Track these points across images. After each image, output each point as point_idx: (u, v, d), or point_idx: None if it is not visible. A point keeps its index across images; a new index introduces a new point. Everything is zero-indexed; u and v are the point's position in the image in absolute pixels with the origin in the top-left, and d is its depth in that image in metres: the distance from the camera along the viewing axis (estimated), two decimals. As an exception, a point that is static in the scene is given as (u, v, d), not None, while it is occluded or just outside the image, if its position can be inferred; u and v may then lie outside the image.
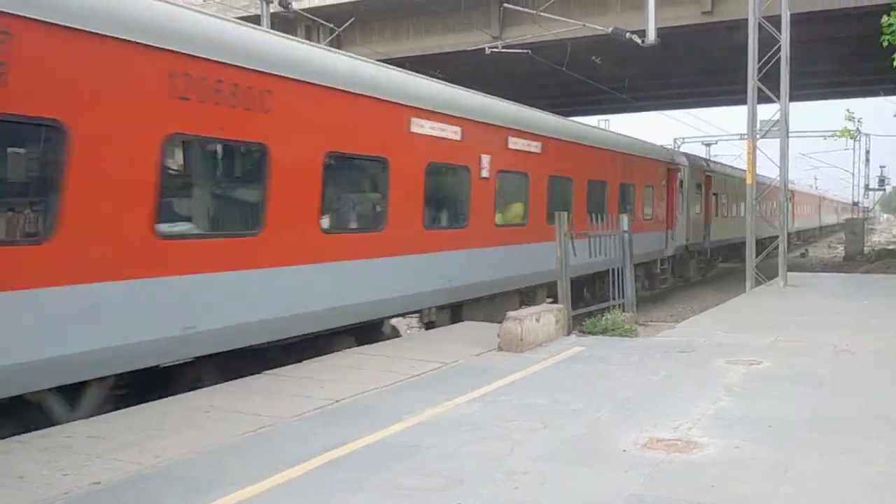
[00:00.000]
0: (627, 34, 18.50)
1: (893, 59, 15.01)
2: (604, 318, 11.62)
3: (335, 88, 9.48)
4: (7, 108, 6.01)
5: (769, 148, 19.77)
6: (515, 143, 13.96)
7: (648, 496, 4.86)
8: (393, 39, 24.65)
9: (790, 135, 19.25)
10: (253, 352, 8.48)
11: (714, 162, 34.76)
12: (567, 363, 9.14)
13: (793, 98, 19.16)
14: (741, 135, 44.26)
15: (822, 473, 5.28)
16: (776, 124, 18.91)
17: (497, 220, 13.60)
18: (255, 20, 18.04)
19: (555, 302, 11.80)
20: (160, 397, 7.31)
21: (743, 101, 18.65)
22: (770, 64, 17.95)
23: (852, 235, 37.93)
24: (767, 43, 17.94)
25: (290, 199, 8.80)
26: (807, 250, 45.93)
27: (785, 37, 17.95)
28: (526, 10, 20.71)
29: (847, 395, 7.57)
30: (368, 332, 10.41)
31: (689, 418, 6.61)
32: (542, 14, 19.98)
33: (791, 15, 17.99)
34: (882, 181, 64.79)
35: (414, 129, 11.07)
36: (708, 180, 28.51)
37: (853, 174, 61.25)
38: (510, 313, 10.11)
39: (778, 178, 19.23)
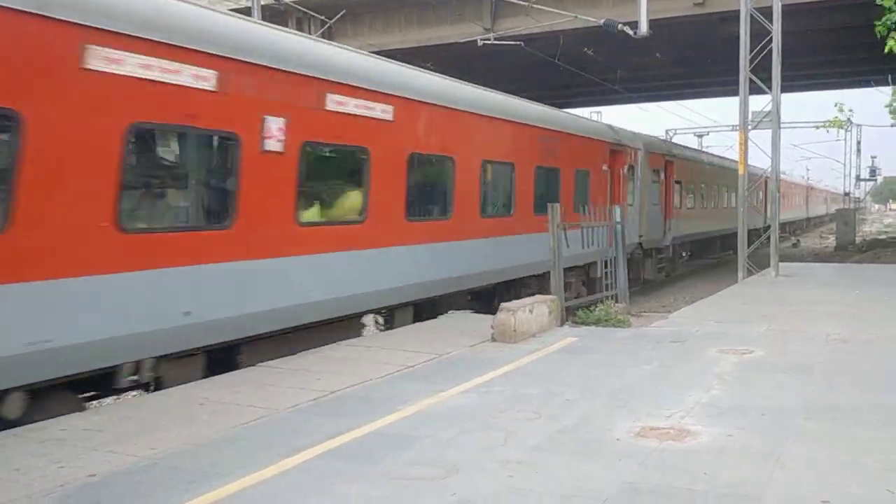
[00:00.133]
0: (619, 26, 18.48)
1: (887, 45, 15.03)
2: (597, 308, 11.67)
3: None
4: None
5: (761, 139, 19.84)
6: (340, 103, 9.66)
7: (642, 484, 4.90)
8: (384, 31, 24.58)
9: (782, 126, 19.30)
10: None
11: (679, 146, 29.66)
12: (560, 354, 9.18)
13: (784, 89, 19.19)
14: (733, 126, 44.25)
15: (814, 461, 5.33)
16: (768, 115, 18.96)
17: (302, 217, 9.24)
18: (245, 12, 17.97)
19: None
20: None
21: (735, 93, 18.69)
22: (762, 55, 17.98)
23: (844, 226, 38.12)
24: (759, 34, 17.98)
25: None
26: (798, 241, 46.10)
27: (776, 28, 17.98)
28: (518, 1, 20.68)
29: (839, 383, 7.63)
30: None
31: (682, 407, 6.66)
32: (535, 6, 19.97)
33: (783, 6, 18.01)
34: (873, 171, 65.06)
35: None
36: (669, 166, 24.40)
37: (844, 164, 61.51)
38: (504, 304, 10.14)
39: (768, 169, 19.30)
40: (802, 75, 31.10)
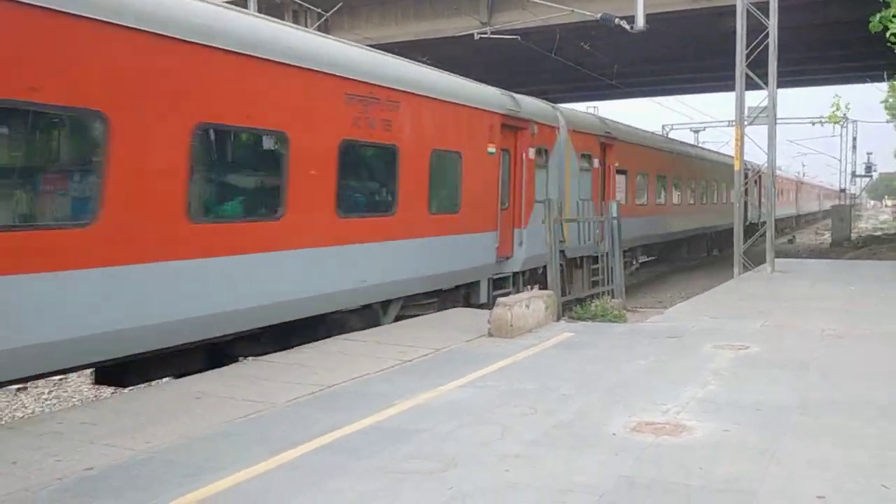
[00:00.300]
0: (616, 20, 18.48)
1: (887, 36, 15.04)
2: (593, 304, 11.69)
3: None
4: None
5: (757, 134, 19.88)
6: None
7: (637, 478, 4.92)
8: (381, 24, 24.50)
9: (778, 121, 19.33)
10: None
11: (626, 127, 21.96)
12: (557, 349, 9.20)
13: (780, 84, 19.24)
14: (729, 121, 44.11)
15: (809, 456, 5.35)
16: (764, 111, 18.99)
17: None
18: (241, 4, 17.92)
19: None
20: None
21: (731, 88, 18.72)
22: (758, 50, 18.00)
23: (839, 222, 38.24)
24: (756, 29, 17.99)
25: None
26: (794, 237, 46.21)
27: (773, 23, 18.00)
28: (515, -5, 20.67)
29: (834, 379, 7.66)
30: None
31: (678, 402, 6.68)
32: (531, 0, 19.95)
33: (779, 1, 18.03)
34: (869, 168, 65.11)
35: None
36: (608, 151, 18.84)
37: (840, 161, 61.55)
38: (500, 299, 10.15)
39: (762, 164, 19.32)
40: (798, 70, 31.10)
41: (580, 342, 9.58)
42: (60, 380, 11.52)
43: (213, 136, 8.18)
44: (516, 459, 5.24)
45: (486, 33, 21.26)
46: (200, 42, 7.67)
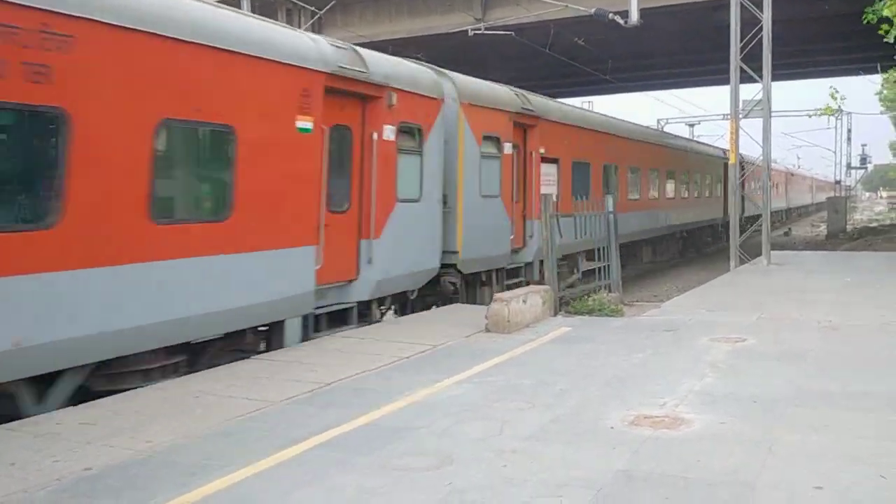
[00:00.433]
0: (610, 15, 18.48)
1: (883, 31, 15.06)
2: (590, 298, 11.71)
3: None
4: None
5: (752, 128, 19.89)
6: None
7: (635, 472, 4.93)
8: (374, 22, 24.50)
9: (772, 114, 19.37)
10: None
11: (556, 103, 18.54)
12: (554, 343, 9.21)
13: (775, 78, 19.25)
14: (724, 115, 43.89)
15: (806, 448, 5.37)
16: (759, 104, 19.01)
17: None
18: (235, 3, 17.88)
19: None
20: None
21: (726, 82, 18.72)
22: (752, 44, 18.01)
23: (835, 214, 38.31)
24: (749, 22, 18.01)
25: None
26: (790, 229, 46.29)
27: (767, 16, 18.01)
28: (508, -10, 20.68)
29: (831, 370, 7.69)
30: None
31: (676, 395, 6.70)
32: (525, -5, 19.95)
33: (773, -6, 18.07)
34: (864, 159, 65.28)
35: None
36: (529, 134, 15.20)
37: (835, 153, 61.71)
38: (497, 294, 10.16)
39: (757, 157, 19.37)
40: (793, 63, 31.15)
41: (577, 337, 9.60)
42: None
43: None
44: (514, 454, 5.25)
45: (479, 29, 21.25)
46: None
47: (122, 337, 6.89)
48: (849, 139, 60.28)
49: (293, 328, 9.00)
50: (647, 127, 28.10)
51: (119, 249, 6.90)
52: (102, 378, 7.04)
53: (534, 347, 8.95)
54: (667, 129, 48.87)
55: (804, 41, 27.06)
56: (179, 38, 7.40)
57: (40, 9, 6.12)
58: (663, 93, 45.19)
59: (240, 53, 8.11)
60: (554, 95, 26.05)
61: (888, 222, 47.33)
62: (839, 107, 21.33)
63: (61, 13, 6.27)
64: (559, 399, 6.66)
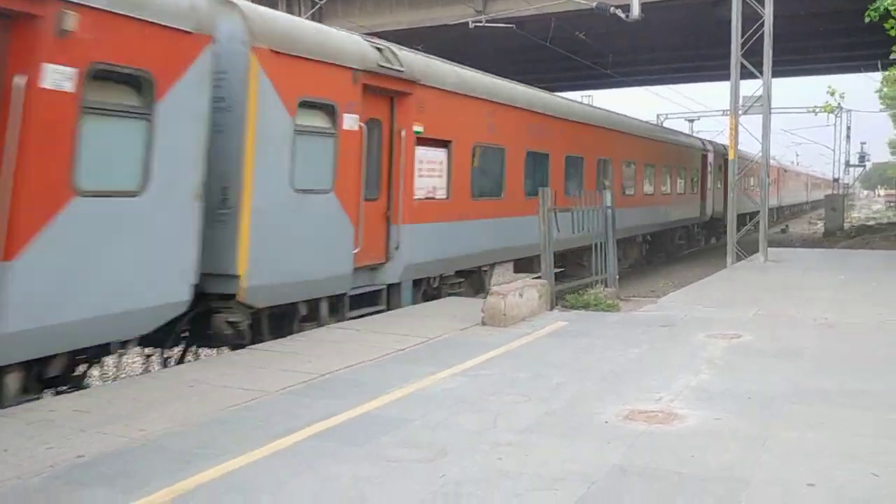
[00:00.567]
0: (612, 8, 18.43)
1: (889, 25, 15.03)
2: (586, 293, 11.70)
3: None
4: None
5: (752, 124, 19.86)
6: None
7: (630, 466, 4.93)
8: (375, 12, 24.39)
9: (772, 111, 19.35)
10: None
11: (450, 65, 13.22)
12: (550, 337, 9.21)
13: (775, 74, 19.22)
14: (724, 111, 43.71)
15: (801, 445, 5.37)
16: (759, 100, 18.98)
17: None
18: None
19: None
20: None
21: (726, 77, 18.68)
22: (753, 39, 17.98)
23: (832, 211, 38.30)
24: (751, 18, 17.97)
25: None
26: (787, 226, 46.33)
27: (768, 12, 17.98)
28: (510, -18, 20.61)
29: (826, 367, 7.69)
30: None
31: (671, 391, 6.70)
32: (527, -12, 19.88)
33: (775, -10, 18.03)
34: (862, 157, 65.25)
35: None
36: (399, 104, 11.24)
37: (834, 150, 61.67)
38: (494, 288, 10.16)
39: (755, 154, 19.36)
40: (793, 60, 31.09)
41: (574, 331, 9.60)
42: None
43: None
44: (508, 447, 5.25)
45: (480, 21, 21.18)
46: None
47: None
48: (848, 137, 60.23)
49: None
50: (598, 108, 22.49)
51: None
52: None
53: (530, 341, 8.94)
54: (666, 124, 48.59)
55: (805, 38, 27.00)
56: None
57: None
58: (663, 88, 45.08)
59: None
60: (554, 89, 26.00)
61: (886, 221, 47.39)
62: (839, 104, 21.30)
63: None
64: (554, 393, 6.66)
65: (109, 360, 8.13)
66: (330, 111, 9.76)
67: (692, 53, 30.87)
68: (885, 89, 40.20)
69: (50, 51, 6.33)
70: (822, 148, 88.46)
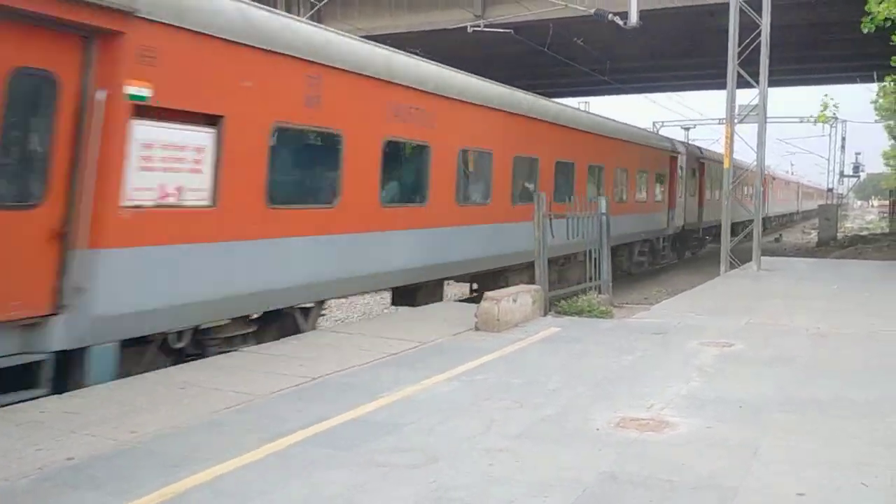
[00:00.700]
0: (610, 15, 18.47)
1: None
2: (580, 299, 11.71)
3: None
4: None
5: (747, 133, 19.93)
6: None
7: (620, 474, 4.93)
8: (374, 15, 24.40)
9: (768, 120, 19.41)
10: None
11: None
12: (543, 343, 9.21)
13: (771, 83, 19.30)
14: (720, 119, 43.69)
15: (791, 454, 5.38)
16: (754, 109, 19.05)
17: None
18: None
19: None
20: None
21: (723, 86, 18.75)
22: (750, 49, 18.05)
23: (826, 221, 38.38)
24: (748, 27, 18.04)
25: None
26: (780, 235, 46.42)
27: (765, 21, 18.05)
28: (509, -12, 20.64)
29: (818, 377, 7.70)
30: None
31: (662, 398, 6.70)
32: (525, -7, 19.92)
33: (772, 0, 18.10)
34: (857, 168, 65.42)
35: None
36: (91, 54, 6.59)
37: (828, 160, 61.84)
38: (487, 293, 10.16)
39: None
40: (789, 70, 31.19)
41: (567, 337, 9.60)
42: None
43: None
44: (500, 453, 5.25)
45: (479, 26, 21.20)
46: None
47: None
48: (843, 147, 60.39)
49: None
50: (527, 93, 15.97)
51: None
52: None
53: (523, 347, 8.94)
54: (662, 132, 47.95)
55: (802, 47, 27.09)
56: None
57: None
58: (660, 95, 45.12)
59: None
60: (551, 95, 26.03)
61: (879, 231, 47.53)
62: (834, 115, 21.36)
63: None
64: (547, 399, 6.66)
65: None
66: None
67: (689, 61, 30.92)
68: (880, 100, 40.36)
69: None
70: (818, 158, 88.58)
